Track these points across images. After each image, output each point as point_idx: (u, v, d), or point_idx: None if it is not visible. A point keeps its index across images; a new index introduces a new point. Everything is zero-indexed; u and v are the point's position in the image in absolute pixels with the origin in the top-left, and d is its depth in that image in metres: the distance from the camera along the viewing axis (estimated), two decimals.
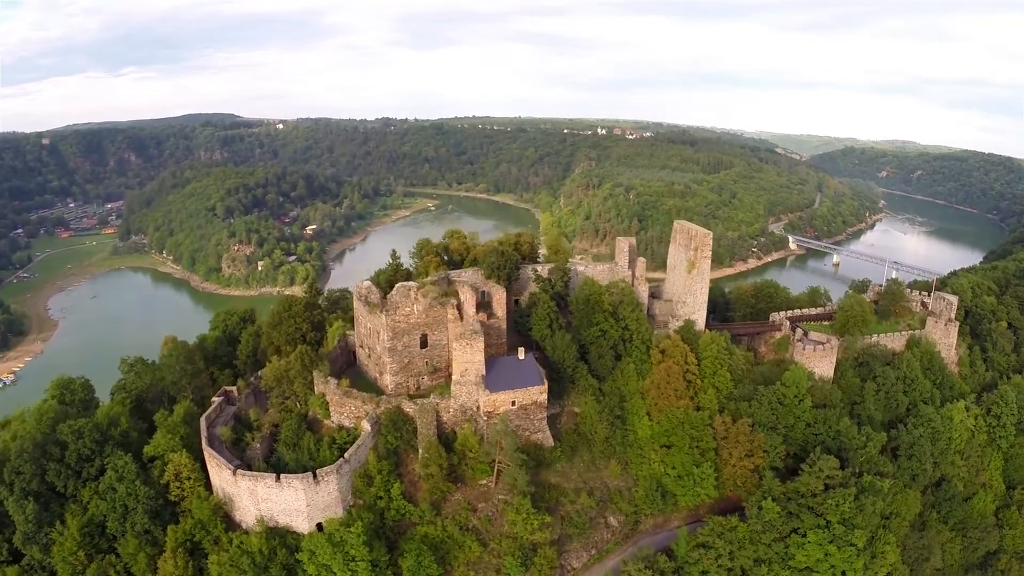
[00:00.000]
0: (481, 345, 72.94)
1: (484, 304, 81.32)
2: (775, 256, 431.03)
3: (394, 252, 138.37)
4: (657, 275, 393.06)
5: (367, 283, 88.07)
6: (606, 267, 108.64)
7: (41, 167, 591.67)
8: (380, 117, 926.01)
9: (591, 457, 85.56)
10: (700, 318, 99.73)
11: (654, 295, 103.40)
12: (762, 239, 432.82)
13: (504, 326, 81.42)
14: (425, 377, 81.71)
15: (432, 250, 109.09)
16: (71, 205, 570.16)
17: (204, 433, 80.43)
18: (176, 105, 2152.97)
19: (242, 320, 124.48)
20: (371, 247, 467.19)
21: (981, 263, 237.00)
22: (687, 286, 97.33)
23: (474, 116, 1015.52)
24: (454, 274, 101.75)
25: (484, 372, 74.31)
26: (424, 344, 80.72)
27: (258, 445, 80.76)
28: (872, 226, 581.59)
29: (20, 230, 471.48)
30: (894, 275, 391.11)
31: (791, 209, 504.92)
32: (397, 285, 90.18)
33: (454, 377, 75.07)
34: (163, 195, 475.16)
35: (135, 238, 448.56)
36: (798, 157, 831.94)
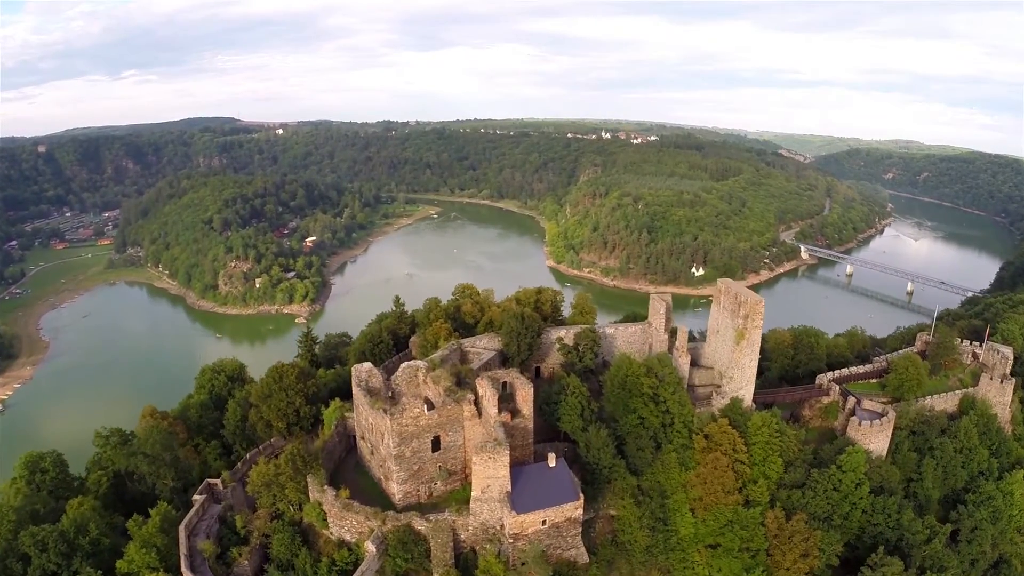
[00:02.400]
0: (506, 459, 62.15)
1: (506, 396, 70.52)
2: (787, 267, 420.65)
3: (397, 299, 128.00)
4: (667, 290, 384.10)
5: (367, 366, 77.21)
6: (638, 328, 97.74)
7: (37, 175, 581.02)
8: (381, 120, 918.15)
9: (630, 569, 74.77)
10: (748, 394, 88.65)
11: (693, 362, 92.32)
12: (774, 249, 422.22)
13: (530, 425, 70.61)
14: (438, 483, 70.92)
15: (441, 313, 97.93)
16: (67, 215, 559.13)
17: (184, 549, 69.72)
18: (176, 108, 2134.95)
19: (230, 379, 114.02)
20: (373, 258, 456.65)
21: (1005, 291, 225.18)
22: (734, 359, 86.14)
23: (476, 119, 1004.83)
24: (467, 343, 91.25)
25: (509, 488, 63.53)
26: (436, 447, 69.87)
27: (246, 562, 70.04)
28: (881, 231, 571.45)
29: (14, 242, 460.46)
30: (909, 287, 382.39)
31: (801, 216, 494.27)
32: (403, 365, 79.40)
33: (474, 493, 64.30)
34: (160, 205, 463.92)
35: (131, 251, 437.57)
36: (802, 159, 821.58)
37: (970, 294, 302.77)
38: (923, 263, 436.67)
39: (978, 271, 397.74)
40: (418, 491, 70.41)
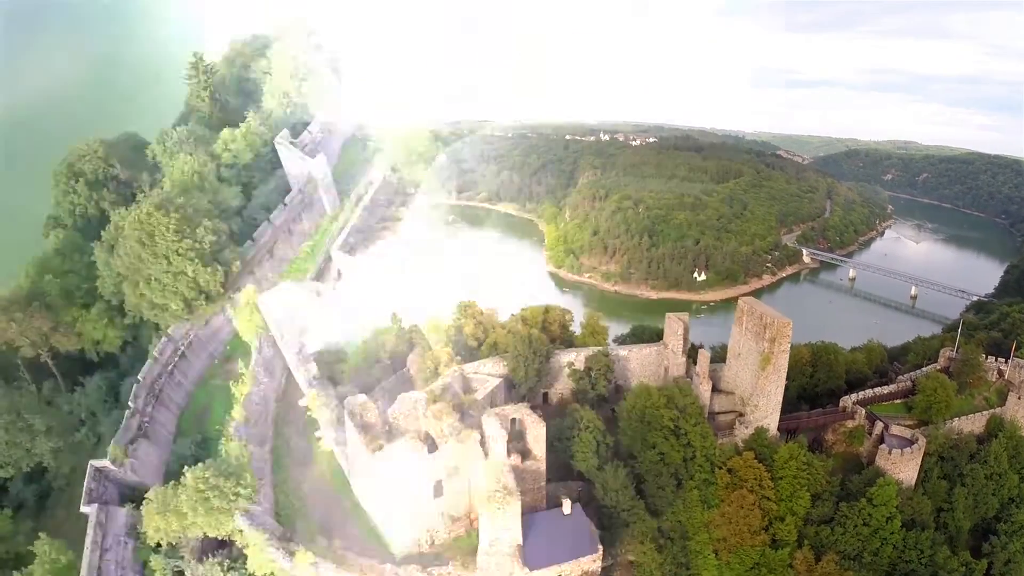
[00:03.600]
0: (517, 509, 56.16)
1: (515, 434, 64.47)
2: (789, 271, 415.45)
3: (395, 315, 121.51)
4: (670, 295, 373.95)
5: (361, 398, 70.92)
6: (653, 349, 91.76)
7: None
8: None
9: None
10: (773, 423, 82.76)
11: (713, 387, 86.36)
12: (776, 253, 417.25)
13: (542, 468, 64.56)
14: (441, 530, 64.83)
15: (441, 336, 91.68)
16: None
17: None
18: None
19: None
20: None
21: (1015, 297, 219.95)
22: (759, 386, 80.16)
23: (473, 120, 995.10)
24: (470, 368, 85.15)
25: (520, 541, 57.52)
26: (439, 492, 63.79)
27: None
28: (882, 233, 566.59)
29: None
30: (913, 291, 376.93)
31: (803, 219, 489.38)
32: (401, 397, 73.12)
33: (481, 547, 58.31)
34: None
35: None
36: (801, 159, 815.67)
37: (975, 298, 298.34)
38: (925, 266, 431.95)
39: (980, 273, 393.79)
40: (419, 540, 64.28)
